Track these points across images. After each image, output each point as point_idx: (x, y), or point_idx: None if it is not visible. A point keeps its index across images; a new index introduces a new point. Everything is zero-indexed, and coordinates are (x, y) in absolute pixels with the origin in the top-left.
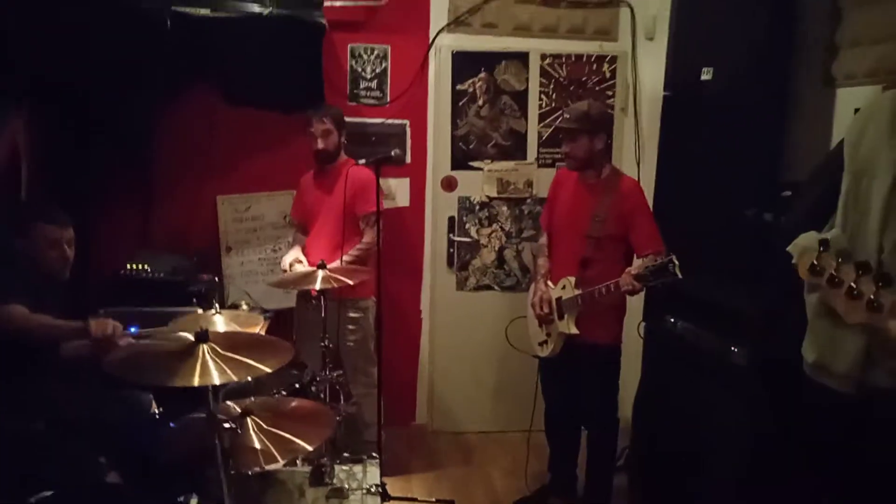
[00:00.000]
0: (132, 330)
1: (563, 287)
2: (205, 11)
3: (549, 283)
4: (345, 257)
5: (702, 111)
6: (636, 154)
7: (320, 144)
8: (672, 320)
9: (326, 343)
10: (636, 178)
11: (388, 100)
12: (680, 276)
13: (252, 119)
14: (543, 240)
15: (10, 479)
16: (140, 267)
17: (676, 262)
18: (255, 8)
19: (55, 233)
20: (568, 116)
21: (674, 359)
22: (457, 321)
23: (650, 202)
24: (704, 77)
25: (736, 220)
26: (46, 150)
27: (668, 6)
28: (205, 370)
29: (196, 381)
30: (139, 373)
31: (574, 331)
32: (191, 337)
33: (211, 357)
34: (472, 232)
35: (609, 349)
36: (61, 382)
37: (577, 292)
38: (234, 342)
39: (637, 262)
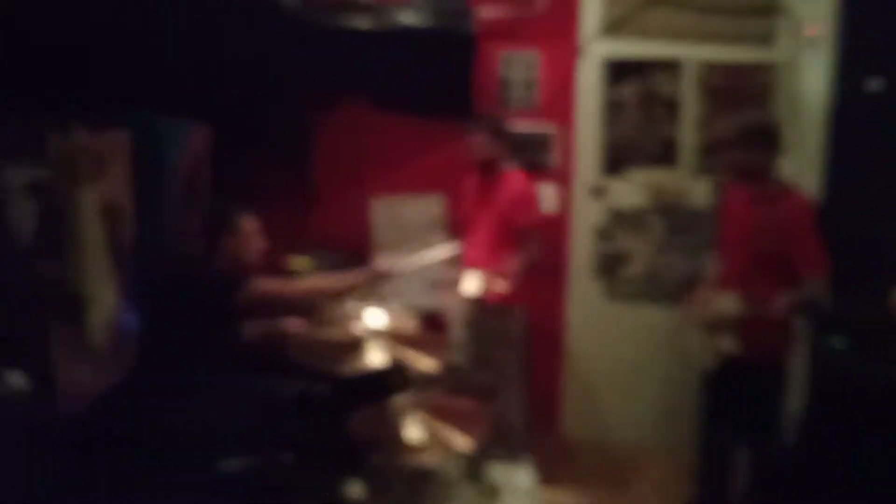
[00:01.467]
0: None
1: (725, 303)
2: (366, 24)
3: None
4: (508, 266)
5: (872, 123)
6: (796, 167)
7: (478, 155)
8: (840, 340)
9: (475, 347)
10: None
11: (537, 106)
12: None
13: (405, 124)
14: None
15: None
16: (302, 262)
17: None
18: (412, 20)
19: (251, 224)
20: (738, 125)
21: (842, 381)
22: (604, 331)
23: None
24: (876, 87)
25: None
26: (221, 158)
27: (832, 11)
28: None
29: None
30: (317, 361)
31: (733, 348)
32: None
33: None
34: (622, 241)
35: (771, 369)
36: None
37: (737, 308)
38: (397, 338)
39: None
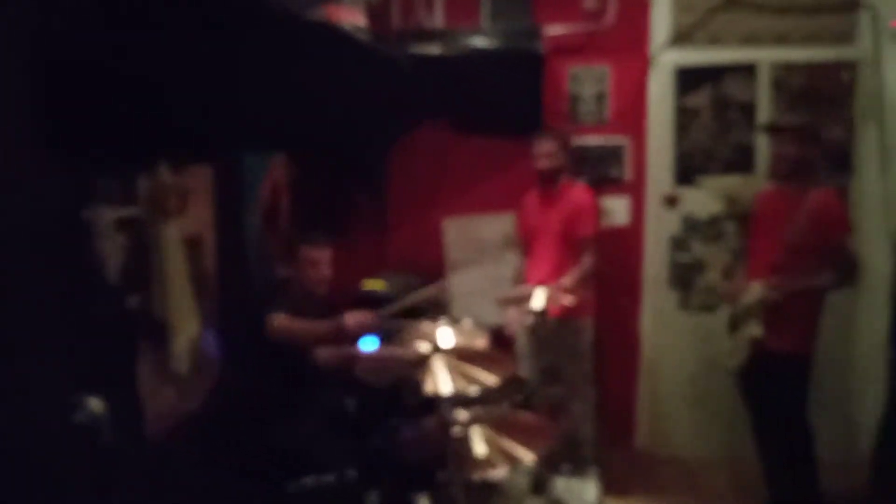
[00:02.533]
0: (373, 339)
1: (752, 290)
2: (436, 51)
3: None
4: (564, 280)
5: None
6: (881, 169)
7: (542, 164)
8: None
9: (546, 361)
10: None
11: (608, 119)
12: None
13: (476, 145)
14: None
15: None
16: (376, 284)
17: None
18: (481, 42)
19: (316, 254)
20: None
21: None
22: (679, 342)
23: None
24: None
25: None
26: (301, 189)
27: None
28: (438, 378)
29: (431, 389)
30: (383, 378)
31: (758, 333)
32: (427, 349)
33: (444, 367)
34: (696, 250)
35: (797, 358)
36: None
37: (761, 293)
38: (463, 354)
39: None
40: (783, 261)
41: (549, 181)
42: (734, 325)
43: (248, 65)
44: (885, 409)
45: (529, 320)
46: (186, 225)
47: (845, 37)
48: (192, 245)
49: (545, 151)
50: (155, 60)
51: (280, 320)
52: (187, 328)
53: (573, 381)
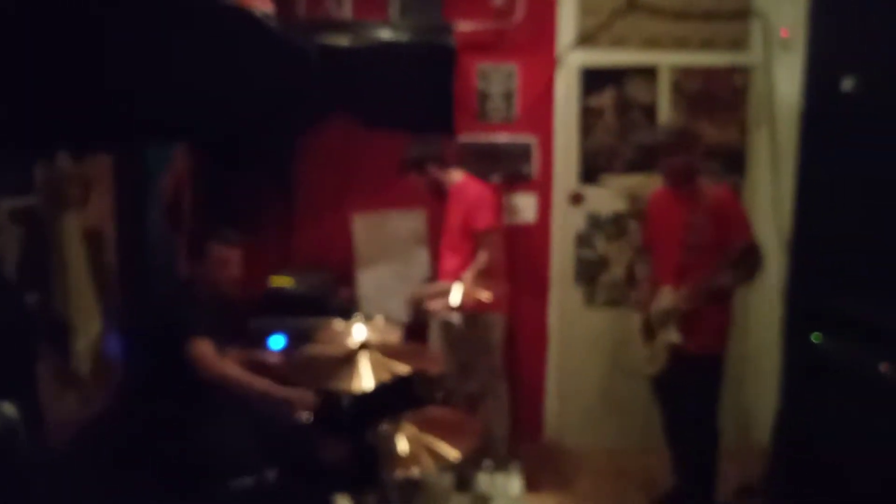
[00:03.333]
0: (280, 338)
1: (664, 297)
2: (344, 42)
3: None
4: (465, 275)
5: (846, 123)
6: (771, 170)
7: (424, 187)
8: (816, 337)
9: (456, 357)
10: (768, 194)
11: (516, 117)
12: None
13: (386, 140)
14: (645, 256)
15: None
16: (284, 281)
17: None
18: (390, 36)
19: (227, 253)
20: (675, 132)
21: (818, 378)
22: (585, 337)
23: (789, 219)
24: (847, 86)
25: (885, 234)
26: (205, 181)
27: (804, 14)
28: (365, 375)
29: (357, 385)
30: (311, 378)
31: (677, 339)
32: (353, 344)
33: (368, 363)
34: (601, 247)
35: (713, 359)
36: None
37: (674, 298)
38: (389, 350)
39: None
40: (688, 262)
41: (437, 192)
42: (649, 332)
43: (149, 48)
44: (780, 402)
45: (443, 316)
46: (87, 217)
47: (739, 43)
48: (93, 239)
49: (417, 182)
50: (51, 42)
51: (205, 352)
52: (89, 327)
53: (485, 376)
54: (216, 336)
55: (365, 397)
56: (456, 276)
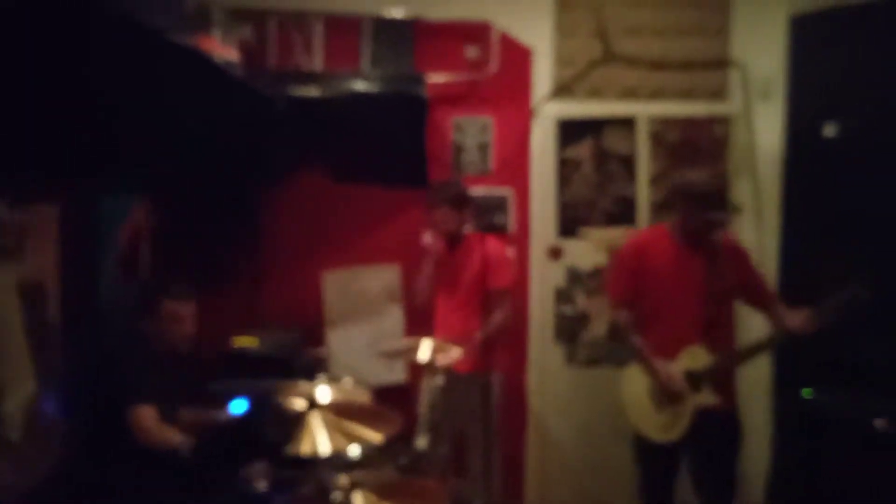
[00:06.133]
0: (243, 402)
1: (692, 357)
2: (315, 93)
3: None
4: (478, 334)
5: (827, 169)
6: (755, 218)
7: (444, 227)
8: (807, 392)
9: (440, 419)
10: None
11: (492, 169)
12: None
13: (358, 193)
14: (625, 315)
15: None
16: (248, 341)
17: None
18: (362, 87)
19: (179, 308)
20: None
21: (812, 432)
22: (566, 396)
23: (775, 265)
24: (828, 133)
25: (872, 279)
26: (164, 233)
27: (782, 63)
28: (316, 438)
29: (308, 449)
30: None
31: (713, 401)
32: (302, 404)
33: (322, 425)
34: (581, 303)
35: (734, 413)
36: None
37: (714, 357)
38: (343, 411)
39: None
40: (711, 316)
41: (452, 240)
42: (670, 396)
43: (105, 90)
44: (771, 459)
45: (427, 376)
46: (23, 269)
47: (718, 92)
48: (31, 292)
49: (444, 214)
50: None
51: (145, 420)
52: (20, 388)
53: (468, 441)
54: (167, 397)
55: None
56: (462, 334)
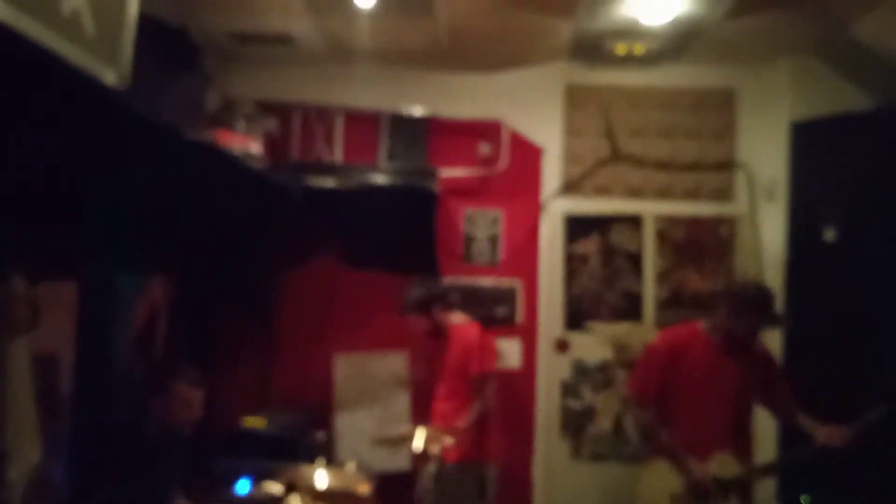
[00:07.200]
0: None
1: (722, 465)
2: (332, 184)
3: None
4: (461, 422)
5: (829, 272)
6: None
7: (421, 329)
8: (805, 499)
9: None
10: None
11: (500, 261)
12: None
13: (369, 280)
14: (652, 412)
15: None
16: (256, 422)
17: None
18: (377, 179)
19: (190, 394)
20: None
21: None
22: (572, 492)
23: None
24: (828, 237)
25: (877, 383)
26: (181, 313)
27: (785, 165)
28: None
29: None
30: None
31: None
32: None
33: None
34: (587, 397)
35: None
36: None
37: (743, 468)
38: (322, 497)
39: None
40: (739, 422)
41: (435, 333)
42: (699, 500)
43: (125, 179)
44: None
45: (427, 465)
46: (38, 340)
47: (724, 193)
48: (44, 364)
49: (416, 322)
50: (24, 163)
51: None
52: (26, 455)
53: None
54: (170, 475)
55: None
56: (449, 422)
